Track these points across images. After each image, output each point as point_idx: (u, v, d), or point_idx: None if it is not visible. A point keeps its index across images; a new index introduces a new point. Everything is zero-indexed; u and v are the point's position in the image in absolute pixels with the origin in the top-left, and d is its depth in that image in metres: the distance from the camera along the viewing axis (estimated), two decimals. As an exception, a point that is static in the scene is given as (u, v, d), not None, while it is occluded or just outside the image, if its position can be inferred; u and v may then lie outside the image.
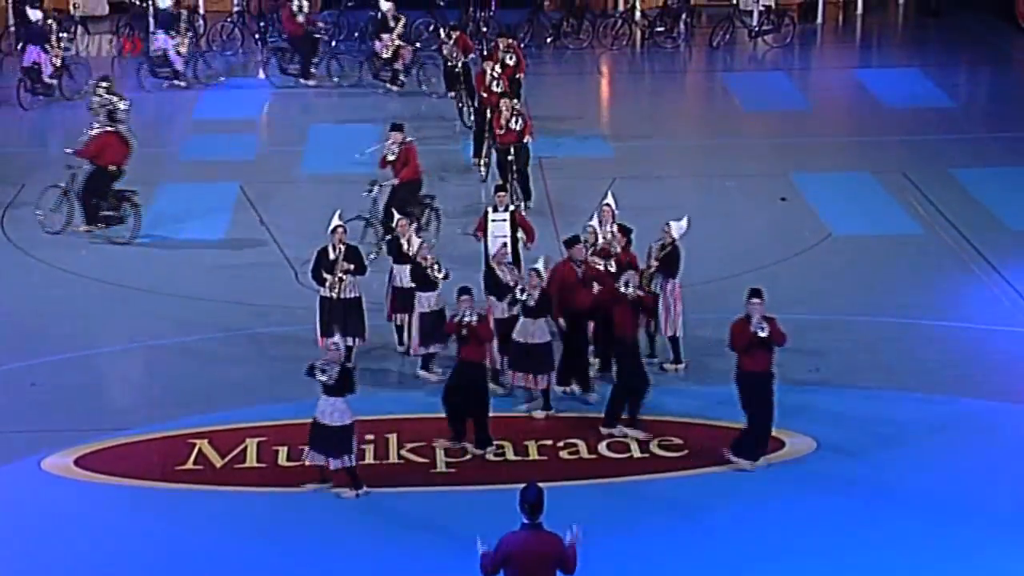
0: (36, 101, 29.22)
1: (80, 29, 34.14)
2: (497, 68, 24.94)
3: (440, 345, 17.48)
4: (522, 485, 11.53)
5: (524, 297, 16.51)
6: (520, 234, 19.38)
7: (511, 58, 25.63)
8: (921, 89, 31.06)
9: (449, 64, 27.82)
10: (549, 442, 15.99)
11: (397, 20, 30.28)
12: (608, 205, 18.58)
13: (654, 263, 17.37)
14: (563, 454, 15.81)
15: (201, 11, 34.79)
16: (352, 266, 17.71)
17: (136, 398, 17.30)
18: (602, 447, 15.92)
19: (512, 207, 19.74)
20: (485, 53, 27.60)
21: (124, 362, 18.37)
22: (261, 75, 31.63)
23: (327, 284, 17.71)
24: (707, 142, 27.56)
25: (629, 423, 16.16)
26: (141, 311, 19.29)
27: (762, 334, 14.96)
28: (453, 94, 27.91)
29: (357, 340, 17.89)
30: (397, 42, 30.18)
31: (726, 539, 14.24)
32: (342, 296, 17.73)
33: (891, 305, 17.20)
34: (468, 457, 15.75)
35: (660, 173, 24.63)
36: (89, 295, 19.86)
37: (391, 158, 21.15)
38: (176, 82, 30.89)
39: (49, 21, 30.25)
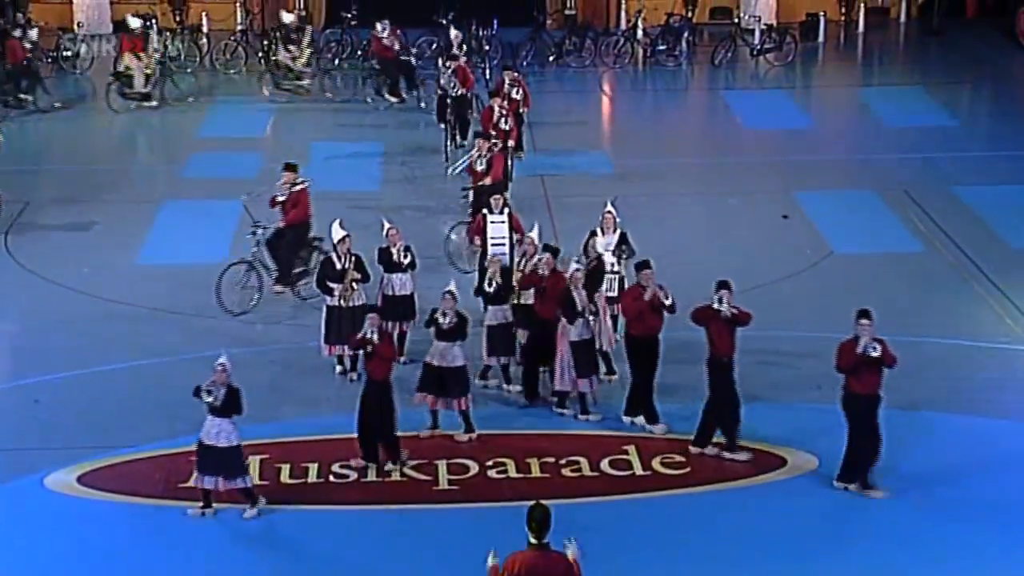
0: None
1: (84, 48, 34.21)
2: (504, 104, 24.70)
3: (506, 357, 17.64)
4: (523, 502, 11.57)
5: (443, 320, 16.44)
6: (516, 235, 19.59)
7: (517, 92, 25.43)
8: (922, 107, 31.12)
9: (443, 94, 26.82)
10: (551, 459, 15.99)
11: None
12: (610, 212, 18.72)
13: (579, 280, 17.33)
14: (564, 472, 15.81)
15: (205, 29, 34.85)
16: (360, 275, 17.99)
17: (138, 416, 17.28)
18: (604, 464, 15.90)
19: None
20: (487, 76, 27.65)
21: (126, 380, 18.33)
22: (265, 92, 31.68)
23: (336, 293, 17.93)
24: (709, 160, 27.60)
25: (729, 447, 16.04)
26: (144, 329, 19.30)
27: (874, 354, 14.80)
28: (442, 126, 26.86)
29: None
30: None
31: (729, 555, 14.23)
32: (350, 304, 17.95)
33: (892, 323, 17.13)
34: (469, 474, 15.75)
35: (662, 191, 24.62)
36: (93, 313, 19.84)
37: (281, 199, 19.88)
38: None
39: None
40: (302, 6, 36.60)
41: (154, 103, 30.80)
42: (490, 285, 17.43)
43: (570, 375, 16.86)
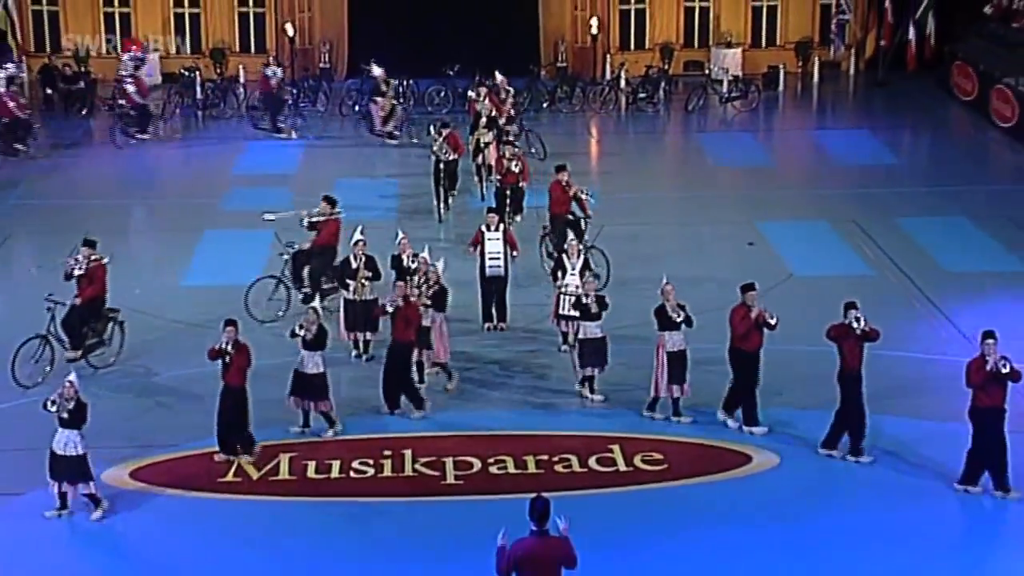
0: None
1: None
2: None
3: (599, 368, 17.59)
4: (525, 496, 11.60)
5: (301, 333, 16.42)
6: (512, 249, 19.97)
7: (516, 165, 24.40)
8: (869, 148, 31.13)
9: (436, 159, 25.23)
10: (546, 456, 15.99)
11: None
12: (574, 242, 19.21)
13: (426, 300, 17.51)
14: (557, 467, 15.80)
15: (242, 80, 34.88)
16: (371, 273, 18.60)
17: (182, 418, 17.28)
18: (591, 461, 15.90)
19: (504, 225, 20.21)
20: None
21: (171, 387, 18.31)
22: (294, 136, 31.72)
23: (351, 288, 18.51)
24: (683, 194, 27.59)
25: (854, 452, 15.91)
26: (189, 344, 19.20)
27: (1005, 371, 14.63)
28: (435, 189, 25.25)
29: (370, 333, 18.73)
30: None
31: (701, 540, 14.25)
32: (362, 298, 18.50)
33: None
34: (473, 470, 15.77)
35: (642, 220, 24.63)
36: (143, 327, 19.72)
37: (78, 273, 18.42)
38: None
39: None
40: (327, 60, 36.65)
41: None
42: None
43: (664, 382, 16.83)
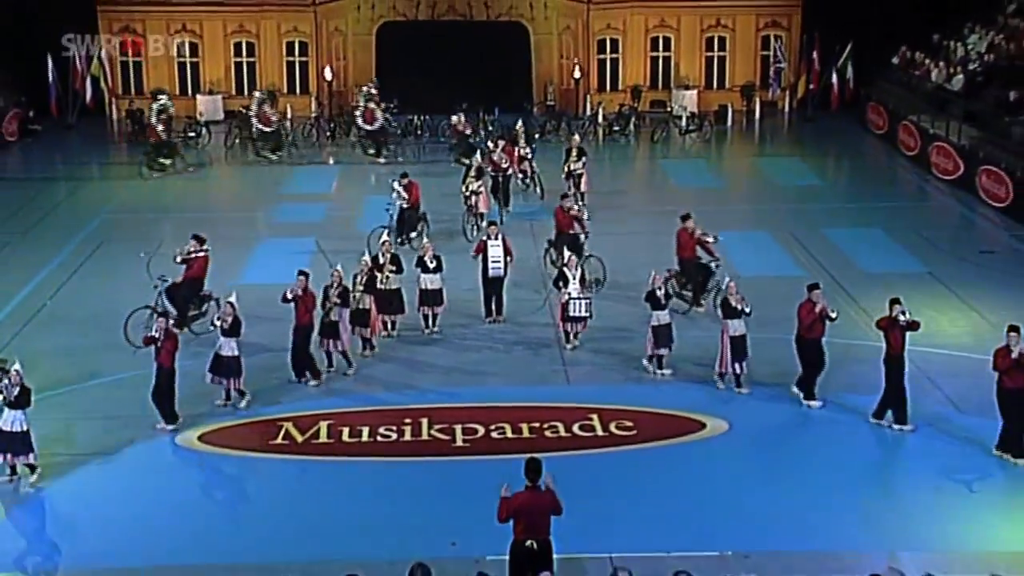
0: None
1: (204, 130, 34.17)
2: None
3: (668, 348, 17.50)
4: (520, 456, 11.60)
5: (219, 323, 16.36)
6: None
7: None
8: (800, 172, 31.01)
9: (400, 206, 23.52)
10: (537, 424, 15.93)
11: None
12: (573, 257, 18.80)
13: (336, 300, 17.35)
14: (547, 433, 15.76)
15: (289, 115, 34.80)
16: (395, 268, 18.72)
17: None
18: (575, 428, 15.85)
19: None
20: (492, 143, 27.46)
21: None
22: (331, 162, 31.64)
23: (379, 279, 18.56)
24: (650, 208, 27.42)
25: (900, 421, 15.69)
26: (247, 330, 19.17)
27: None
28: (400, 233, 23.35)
29: (398, 317, 18.92)
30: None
31: (665, 492, 14.24)
32: (388, 288, 18.61)
33: (782, 326, 17.13)
34: (478, 435, 15.71)
35: (617, 231, 24.53)
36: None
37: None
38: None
39: None
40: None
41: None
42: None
43: (728, 359, 16.79)
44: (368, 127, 31.46)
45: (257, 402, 16.68)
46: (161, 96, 31.99)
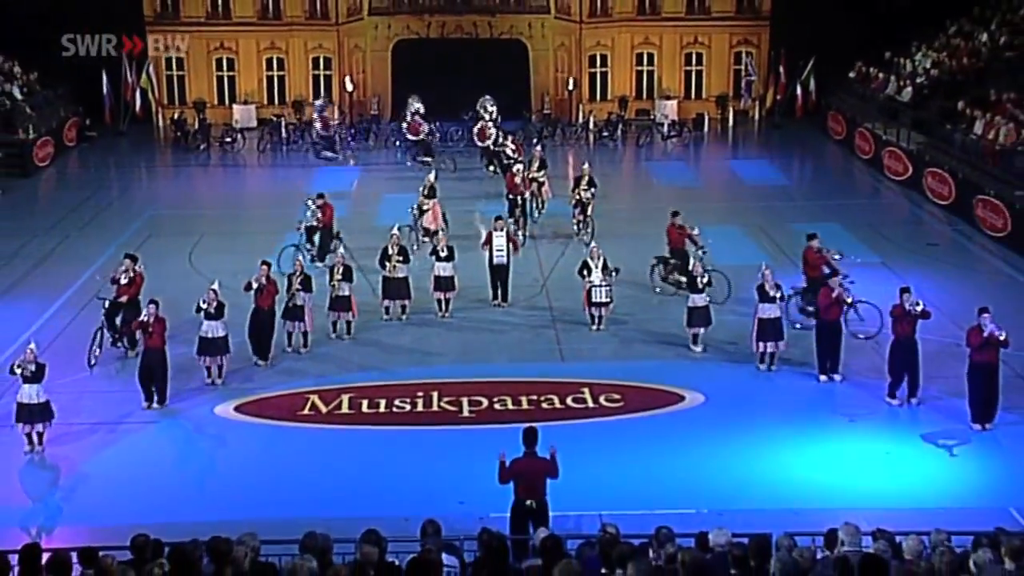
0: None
1: (239, 135, 34.05)
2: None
3: (703, 328, 17.26)
4: (520, 425, 11.52)
5: (205, 307, 16.12)
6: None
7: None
8: (769, 172, 30.87)
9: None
10: (535, 396, 15.86)
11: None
12: (596, 246, 18.59)
13: (297, 288, 17.14)
14: (543, 405, 15.70)
15: (317, 124, 34.46)
16: (402, 258, 18.50)
17: (272, 369, 17.19)
18: (568, 400, 15.78)
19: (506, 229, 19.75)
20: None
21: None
22: (351, 163, 31.53)
23: (387, 268, 18.45)
24: (636, 205, 27.36)
25: (913, 394, 15.31)
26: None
27: (1000, 336, 14.10)
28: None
29: (408, 303, 18.70)
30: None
31: (649, 456, 14.17)
32: (395, 276, 18.52)
33: (750, 306, 17.08)
34: (482, 407, 15.63)
35: (607, 226, 24.38)
36: (245, 303, 19.45)
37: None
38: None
39: None
40: (378, 107, 36.43)
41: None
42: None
43: (758, 339, 16.49)
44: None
45: (287, 377, 16.58)
46: (318, 102, 33.04)
